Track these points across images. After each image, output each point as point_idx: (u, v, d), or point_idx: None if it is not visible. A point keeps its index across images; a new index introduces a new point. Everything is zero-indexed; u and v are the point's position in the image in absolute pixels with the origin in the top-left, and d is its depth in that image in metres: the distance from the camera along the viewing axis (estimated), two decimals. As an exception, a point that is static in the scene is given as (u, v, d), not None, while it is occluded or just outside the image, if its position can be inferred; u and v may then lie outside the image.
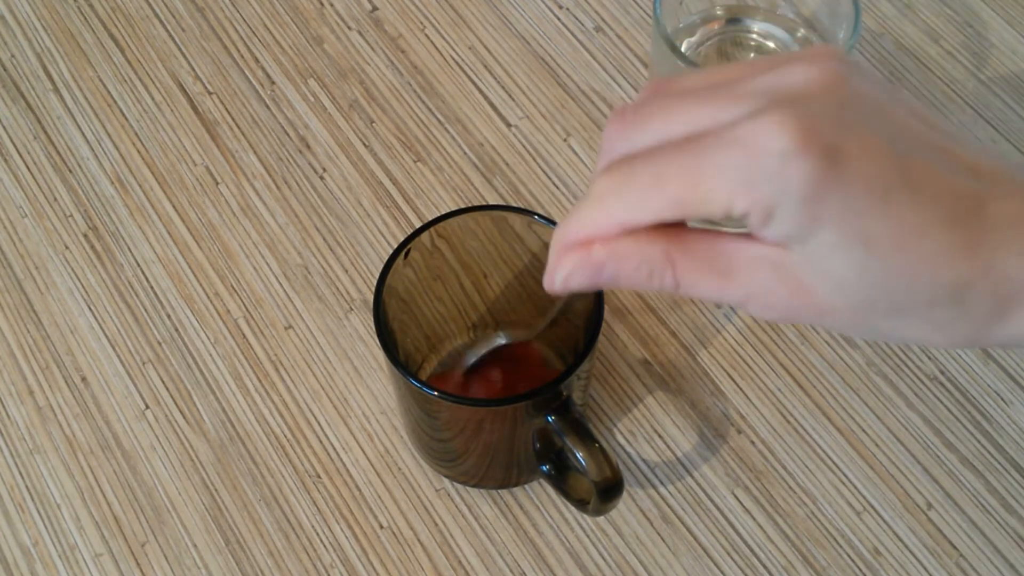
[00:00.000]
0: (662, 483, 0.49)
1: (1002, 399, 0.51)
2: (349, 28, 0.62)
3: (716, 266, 0.31)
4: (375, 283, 0.44)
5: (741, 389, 0.52)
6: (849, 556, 0.48)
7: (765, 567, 0.48)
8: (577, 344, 0.46)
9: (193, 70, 0.61)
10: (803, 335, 0.53)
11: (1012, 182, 0.30)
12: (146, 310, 0.54)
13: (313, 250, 0.55)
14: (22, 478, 0.50)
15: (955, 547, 0.48)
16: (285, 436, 0.51)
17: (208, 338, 0.53)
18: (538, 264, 0.47)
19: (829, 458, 0.50)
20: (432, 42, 0.62)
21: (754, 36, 0.54)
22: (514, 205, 0.55)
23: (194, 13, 0.63)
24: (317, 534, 0.48)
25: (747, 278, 0.31)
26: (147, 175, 0.58)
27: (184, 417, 0.51)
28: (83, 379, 0.52)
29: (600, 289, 0.34)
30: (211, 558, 0.48)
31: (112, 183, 0.58)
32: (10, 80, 0.61)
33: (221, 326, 0.53)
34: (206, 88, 0.61)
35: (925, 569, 0.47)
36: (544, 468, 0.47)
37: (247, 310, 0.54)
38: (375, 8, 0.63)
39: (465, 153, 0.58)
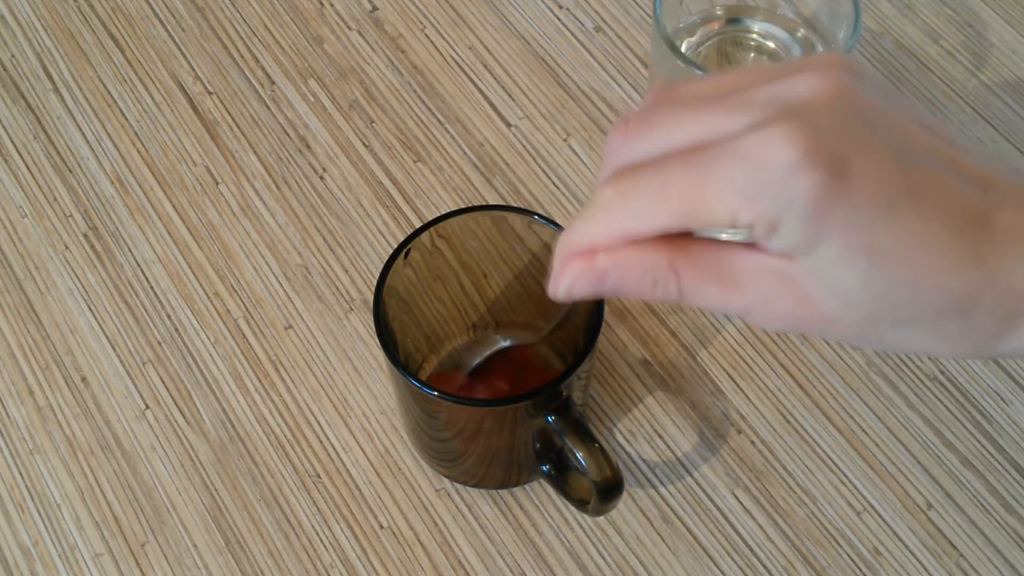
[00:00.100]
0: (662, 483, 0.49)
1: (1002, 399, 0.51)
2: (349, 28, 0.62)
3: (720, 276, 0.31)
4: (375, 283, 0.44)
5: (741, 389, 0.52)
6: (849, 556, 0.48)
7: (765, 567, 0.48)
8: (577, 344, 0.46)
9: (193, 70, 0.61)
10: (803, 335, 0.53)
11: (1019, 193, 0.30)
12: (146, 310, 0.54)
13: (313, 250, 0.55)
14: (22, 478, 0.50)
15: (955, 547, 0.48)
16: (285, 436, 0.51)
17: (208, 338, 0.53)
18: (538, 264, 0.47)
19: (829, 458, 0.50)
20: (432, 42, 0.62)
21: (754, 36, 0.54)
22: (514, 205, 0.55)
23: (194, 13, 0.63)
24: (317, 534, 0.48)
25: (751, 288, 0.31)
26: (147, 175, 0.58)
27: (184, 417, 0.51)
28: (83, 379, 0.52)
29: (604, 297, 0.34)
30: (211, 558, 0.48)
31: (112, 183, 0.58)
32: (10, 80, 0.61)
33: (221, 326, 0.53)
34: (206, 88, 0.61)
35: (925, 569, 0.47)
36: (544, 468, 0.47)
37: (247, 310, 0.54)
38: (375, 8, 0.63)
39: (465, 153, 0.58)
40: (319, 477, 0.50)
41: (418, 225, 0.53)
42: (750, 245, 0.30)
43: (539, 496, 0.49)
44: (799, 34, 0.53)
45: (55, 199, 0.57)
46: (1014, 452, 0.50)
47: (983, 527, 0.48)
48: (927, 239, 0.28)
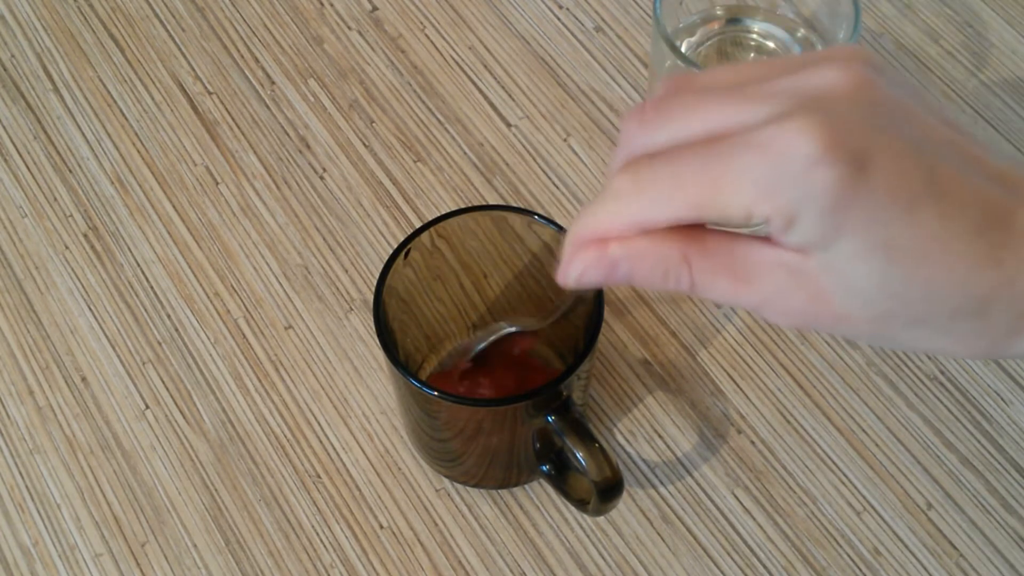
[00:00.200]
0: (662, 483, 0.49)
1: (1002, 399, 0.51)
2: (349, 28, 0.62)
3: (733, 269, 0.30)
4: (375, 283, 0.44)
5: (741, 389, 0.52)
6: (849, 556, 0.48)
7: (765, 567, 0.48)
8: (577, 344, 0.46)
9: (193, 70, 0.61)
10: (803, 335, 0.53)
11: None
12: (146, 310, 0.54)
13: (313, 250, 0.55)
14: (22, 478, 0.50)
15: (955, 547, 0.48)
16: (285, 436, 0.51)
17: (208, 338, 0.53)
18: (538, 264, 0.47)
19: (829, 458, 0.50)
20: (432, 42, 0.62)
21: (754, 36, 0.54)
22: (514, 205, 0.55)
23: (194, 13, 0.63)
24: (317, 534, 0.48)
25: (764, 283, 0.30)
26: (147, 175, 0.58)
27: (184, 417, 0.51)
28: (83, 379, 0.52)
29: (614, 285, 0.34)
30: (211, 558, 0.48)
31: (112, 183, 0.58)
32: (10, 80, 0.61)
33: (221, 326, 0.53)
34: (206, 88, 0.61)
35: (925, 569, 0.47)
36: (544, 468, 0.47)
37: (247, 310, 0.54)
38: (375, 8, 0.63)
39: (465, 153, 0.58)
40: (319, 477, 0.50)
41: (418, 225, 0.53)
42: (764, 239, 0.30)
43: (539, 496, 0.49)
44: (799, 34, 0.53)
45: (55, 199, 0.57)
46: (1014, 452, 0.50)
47: (983, 527, 0.48)
48: (946, 238, 0.28)
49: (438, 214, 0.48)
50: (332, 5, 0.63)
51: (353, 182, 0.57)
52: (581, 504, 0.46)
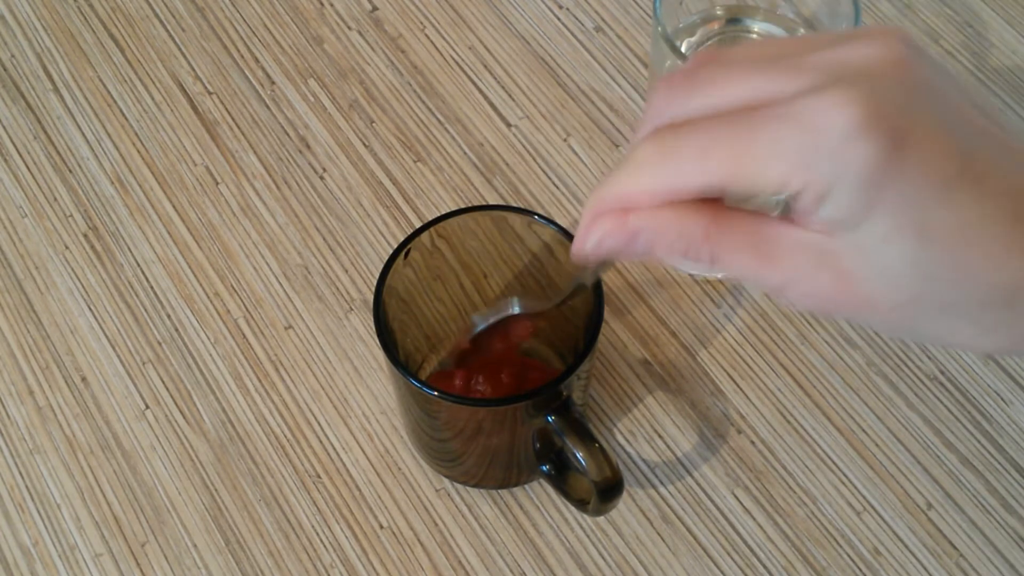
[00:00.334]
0: (662, 483, 0.49)
1: (1002, 399, 0.51)
2: (349, 28, 0.62)
3: (756, 248, 0.29)
4: (375, 283, 0.44)
5: (741, 389, 0.52)
6: (849, 556, 0.48)
7: (765, 567, 0.48)
8: (577, 344, 0.46)
9: (193, 70, 0.61)
10: (803, 335, 0.53)
11: None
12: (146, 310, 0.54)
13: (313, 250, 0.55)
14: (22, 478, 0.50)
15: (955, 547, 0.48)
16: (285, 436, 0.51)
17: (208, 338, 0.53)
18: (538, 264, 0.47)
19: (829, 458, 0.50)
20: (432, 42, 0.62)
21: (754, 36, 0.54)
22: (514, 205, 0.55)
23: (194, 13, 0.63)
24: (317, 534, 0.48)
25: (788, 263, 0.29)
26: (147, 175, 0.58)
27: (184, 417, 0.51)
28: (83, 379, 0.52)
29: (630, 258, 0.32)
30: (211, 558, 0.48)
31: (112, 183, 0.58)
32: (10, 80, 0.61)
33: (221, 326, 0.53)
34: (206, 88, 0.61)
35: (925, 569, 0.47)
36: (544, 468, 0.47)
37: (247, 310, 0.54)
38: (375, 8, 0.63)
39: (465, 153, 0.58)
40: (319, 477, 0.50)
41: (418, 225, 0.53)
42: (790, 218, 0.29)
43: (539, 496, 0.49)
44: (799, 34, 0.53)
45: (55, 199, 0.57)
46: (1014, 452, 0.50)
47: (983, 527, 0.48)
48: (980, 223, 0.27)
49: (438, 214, 0.48)
50: (332, 5, 0.63)
51: (353, 182, 0.57)
52: (581, 504, 0.46)
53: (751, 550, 0.48)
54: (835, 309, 0.29)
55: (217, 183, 0.58)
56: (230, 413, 0.51)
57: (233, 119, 0.59)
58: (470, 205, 0.52)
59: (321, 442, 0.51)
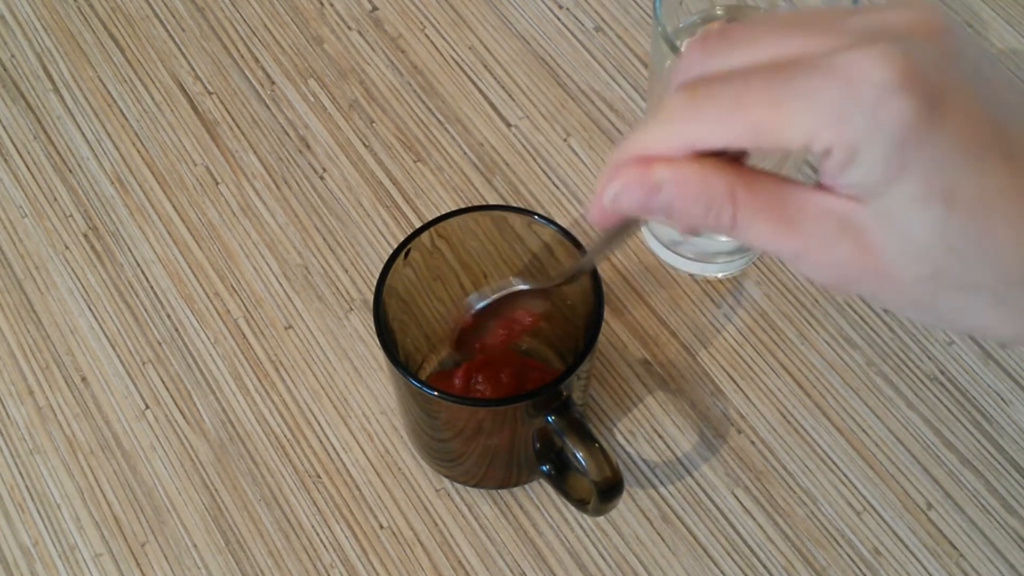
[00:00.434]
0: (662, 483, 0.49)
1: (1002, 399, 0.51)
2: (349, 28, 0.62)
3: (779, 212, 0.28)
4: (375, 283, 0.44)
5: (741, 389, 0.52)
6: (849, 556, 0.48)
7: (765, 567, 0.48)
8: (577, 344, 0.46)
9: (193, 70, 0.61)
10: (803, 335, 0.53)
11: None
12: (146, 310, 0.54)
13: (313, 250, 0.55)
14: (22, 478, 0.50)
15: (955, 547, 0.48)
16: (285, 436, 0.51)
17: (208, 338, 0.53)
18: (538, 264, 0.47)
19: (829, 458, 0.50)
20: (432, 42, 0.62)
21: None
22: (514, 205, 0.55)
23: (194, 13, 0.63)
24: (317, 534, 0.48)
25: (809, 229, 0.28)
26: (147, 175, 0.58)
27: (184, 417, 0.51)
28: (83, 379, 0.52)
29: (646, 218, 0.31)
30: (211, 558, 0.48)
31: (112, 183, 0.58)
32: (10, 80, 0.61)
33: (221, 326, 0.53)
34: (206, 88, 0.61)
35: (925, 569, 0.47)
36: (544, 468, 0.47)
37: (247, 310, 0.54)
38: (375, 8, 0.63)
39: (465, 153, 0.58)
40: (319, 477, 0.50)
41: (418, 225, 0.53)
42: (815, 185, 0.28)
43: (539, 496, 0.49)
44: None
45: (55, 199, 0.57)
46: (1014, 452, 0.50)
47: (983, 527, 0.48)
48: (1009, 196, 0.27)
49: (438, 214, 0.48)
50: (332, 5, 0.63)
51: (353, 182, 0.57)
52: (581, 504, 0.46)
53: (751, 550, 0.48)
54: (853, 283, 0.29)
55: (217, 183, 0.58)
56: (230, 413, 0.51)
57: (233, 119, 0.59)
58: (470, 205, 0.52)
59: (321, 442, 0.51)
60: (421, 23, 0.62)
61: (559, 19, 0.62)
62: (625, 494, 0.48)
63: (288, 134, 0.59)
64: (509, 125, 0.59)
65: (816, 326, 0.53)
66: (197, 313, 0.54)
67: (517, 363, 0.48)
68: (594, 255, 0.39)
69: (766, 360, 0.52)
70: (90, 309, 0.54)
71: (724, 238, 0.52)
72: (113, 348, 0.53)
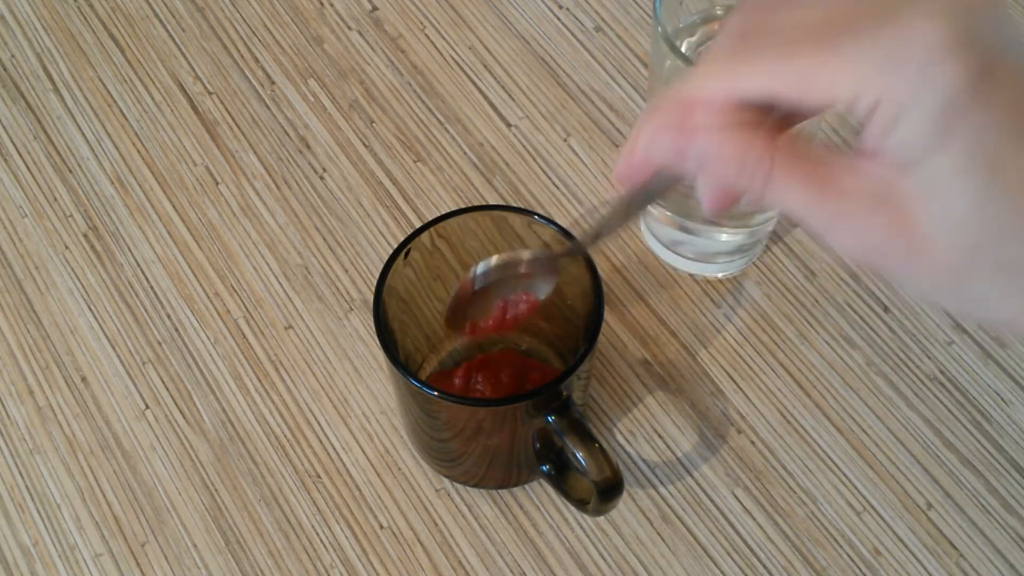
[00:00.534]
0: (662, 483, 0.49)
1: (1002, 399, 0.51)
2: (349, 28, 0.62)
3: (816, 175, 0.28)
4: (375, 283, 0.44)
5: (741, 389, 0.52)
6: (849, 556, 0.48)
7: (765, 567, 0.48)
8: (577, 344, 0.46)
9: (193, 70, 0.61)
10: (803, 335, 0.53)
11: None
12: (146, 310, 0.54)
13: (313, 250, 0.55)
14: (22, 478, 0.50)
15: (955, 547, 0.48)
16: (285, 436, 0.51)
17: (208, 338, 0.53)
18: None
19: (829, 458, 0.50)
20: (432, 42, 0.62)
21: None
22: (514, 205, 0.55)
23: (194, 13, 0.63)
24: (317, 534, 0.48)
25: (843, 196, 0.27)
26: (147, 175, 0.58)
27: (184, 417, 0.51)
28: (83, 379, 0.52)
29: (678, 173, 0.30)
30: (211, 558, 0.48)
31: (112, 183, 0.58)
32: (10, 80, 0.61)
33: (221, 326, 0.53)
34: (206, 88, 0.61)
35: (925, 569, 0.47)
36: (544, 468, 0.47)
37: (247, 310, 0.54)
38: (375, 8, 0.63)
39: (465, 153, 0.58)
40: (319, 477, 0.50)
41: (418, 225, 0.53)
42: (854, 156, 0.28)
43: (539, 496, 0.49)
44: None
45: (55, 199, 0.57)
46: (1014, 452, 0.50)
47: (983, 527, 0.48)
48: None
49: (438, 214, 0.48)
50: (332, 5, 0.63)
51: (353, 182, 0.57)
52: (581, 504, 0.46)
53: (751, 550, 0.48)
54: (883, 256, 0.28)
55: (217, 183, 0.58)
56: (230, 413, 0.51)
57: (233, 119, 0.59)
58: (470, 205, 0.52)
59: (321, 442, 0.51)
60: (421, 23, 0.62)
61: (559, 19, 0.62)
62: (625, 494, 0.48)
63: (288, 134, 0.59)
64: (509, 125, 0.59)
65: (816, 326, 0.53)
66: (197, 313, 0.54)
67: (517, 363, 0.48)
68: (607, 224, 0.37)
69: (766, 360, 0.52)
70: (90, 309, 0.54)
71: (725, 237, 0.52)
72: (113, 348, 0.53)
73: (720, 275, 0.54)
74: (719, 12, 0.54)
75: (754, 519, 0.49)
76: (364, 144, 0.58)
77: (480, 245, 0.47)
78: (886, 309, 0.53)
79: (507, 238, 0.47)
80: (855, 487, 0.49)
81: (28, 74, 0.61)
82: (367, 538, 0.48)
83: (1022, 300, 0.28)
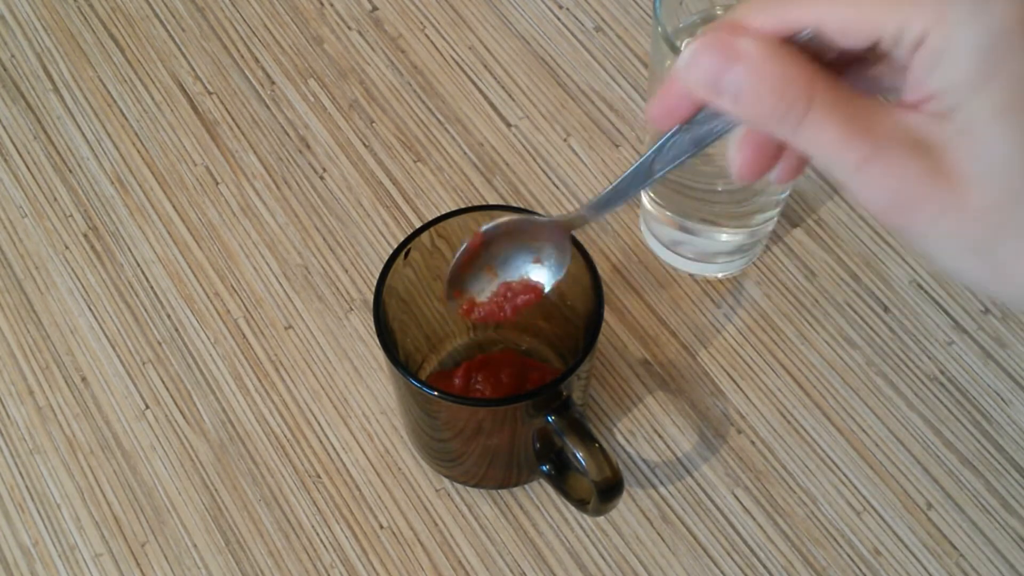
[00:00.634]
0: (662, 483, 0.49)
1: (1002, 399, 0.51)
2: (349, 28, 0.62)
3: (852, 116, 0.27)
4: (375, 283, 0.44)
5: (741, 389, 0.52)
6: (849, 556, 0.48)
7: (765, 567, 0.48)
8: (577, 344, 0.46)
9: (193, 70, 0.61)
10: (803, 335, 0.53)
11: None
12: (146, 310, 0.54)
13: (313, 250, 0.55)
14: (22, 478, 0.50)
15: (955, 547, 0.48)
16: (285, 436, 0.51)
17: (208, 338, 0.53)
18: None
19: (829, 458, 0.50)
20: (432, 42, 0.62)
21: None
22: (514, 205, 0.55)
23: (194, 13, 0.63)
24: (317, 534, 0.48)
25: (881, 138, 0.27)
26: (147, 175, 0.58)
27: (184, 417, 0.51)
28: (83, 379, 0.52)
29: (714, 102, 0.29)
30: (211, 558, 0.48)
31: (112, 183, 0.58)
32: (10, 80, 0.61)
33: (221, 326, 0.53)
34: (206, 88, 0.61)
35: (925, 569, 0.47)
36: (544, 468, 0.47)
37: (247, 310, 0.54)
38: (375, 8, 0.63)
39: (465, 153, 0.58)
40: (319, 477, 0.50)
41: (418, 225, 0.53)
42: (893, 104, 0.27)
43: (539, 496, 0.49)
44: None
45: (55, 199, 0.57)
46: (1014, 452, 0.50)
47: (983, 527, 0.48)
48: None
49: (438, 214, 0.48)
50: (332, 5, 0.63)
51: (353, 182, 0.57)
52: (581, 504, 0.46)
53: (751, 550, 0.48)
54: (914, 207, 0.27)
55: (217, 183, 0.58)
56: (230, 413, 0.51)
57: (233, 119, 0.59)
58: (470, 205, 0.52)
59: (321, 442, 0.51)
60: (421, 23, 0.62)
61: (559, 19, 0.62)
62: (625, 494, 0.48)
63: (288, 134, 0.59)
64: (509, 125, 0.59)
65: (816, 326, 0.53)
66: (197, 313, 0.54)
67: (517, 363, 0.48)
68: (624, 188, 0.35)
69: (766, 360, 0.52)
70: (90, 309, 0.54)
71: (725, 237, 0.52)
72: (113, 348, 0.53)
73: (720, 275, 0.54)
74: (719, 12, 0.54)
75: (754, 519, 0.49)
76: (364, 144, 0.58)
77: (480, 245, 0.47)
78: (886, 309, 0.53)
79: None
80: (855, 487, 0.49)
81: (28, 74, 0.61)
82: (367, 538, 0.48)
83: None
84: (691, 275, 0.55)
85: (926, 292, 0.54)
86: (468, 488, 0.49)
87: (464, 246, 0.40)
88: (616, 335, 0.53)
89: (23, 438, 0.51)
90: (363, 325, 0.53)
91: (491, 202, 0.56)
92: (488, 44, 0.62)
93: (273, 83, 0.61)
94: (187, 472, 0.50)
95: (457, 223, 0.45)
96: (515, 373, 0.48)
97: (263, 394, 0.52)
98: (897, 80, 0.28)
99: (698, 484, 0.49)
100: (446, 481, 0.50)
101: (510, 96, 0.60)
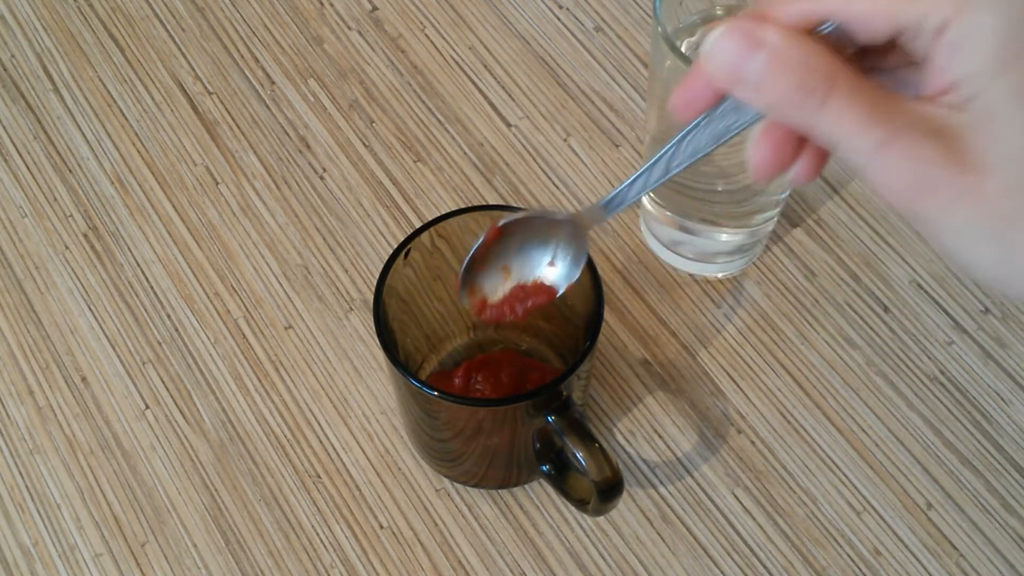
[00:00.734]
0: (662, 483, 0.49)
1: (1002, 399, 0.51)
2: (349, 28, 0.62)
3: (873, 104, 0.27)
4: (375, 283, 0.44)
5: (741, 389, 0.52)
6: (849, 556, 0.48)
7: (765, 567, 0.48)
8: (577, 344, 0.46)
9: (193, 70, 0.61)
10: (803, 335, 0.53)
11: None
12: (146, 310, 0.54)
13: (313, 250, 0.55)
14: (22, 478, 0.50)
15: (955, 547, 0.48)
16: (285, 436, 0.51)
17: (208, 338, 0.53)
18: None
19: (829, 458, 0.50)
20: (432, 42, 0.62)
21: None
22: (514, 205, 0.55)
23: (194, 13, 0.63)
24: (317, 534, 0.48)
25: (896, 127, 0.27)
26: (147, 175, 0.58)
27: (184, 417, 0.51)
28: (83, 379, 0.52)
29: (735, 88, 0.29)
30: (211, 558, 0.48)
31: (112, 183, 0.58)
32: (10, 80, 0.61)
33: (221, 326, 0.53)
34: (206, 88, 0.61)
35: (925, 569, 0.47)
36: (544, 468, 0.47)
37: (247, 310, 0.54)
38: (375, 8, 0.63)
39: (465, 153, 0.58)
40: (319, 477, 0.50)
41: (418, 225, 0.53)
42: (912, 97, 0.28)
43: (539, 496, 0.49)
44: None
45: (55, 199, 0.57)
46: (1014, 452, 0.50)
47: (983, 527, 0.48)
48: None
49: (438, 214, 0.48)
50: (332, 5, 0.63)
51: (353, 182, 0.57)
52: (581, 504, 0.46)
53: (751, 550, 0.48)
54: (930, 191, 0.27)
55: (217, 183, 0.58)
56: (230, 413, 0.51)
57: (233, 119, 0.59)
58: (470, 205, 0.52)
59: (321, 442, 0.51)
60: (421, 23, 0.62)
61: (559, 19, 0.62)
62: (625, 494, 0.48)
63: (288, 134, 0.59)
64: (509, 125, 0.59)
65: (816, 326, 0.53)
66: (197, 313, 0.54)
67: (517, 363, 0.48)
68: (643, 182, 0.35)
69: (766, 360, 0.52)
70: (90, 309, 0.54)
71: (725, 237, 0.52)
72: (113, 348, 0.53)
73: (720, 275, 0.54)
74: (719, 12, 0.54)
75: (754, 519, 0.49)
76: (364, 144, 0.58)
77: (480, 245, 0.47)
78: (886, 309, 0.53)
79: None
80: (855, 487, 0.49)
81: (28, 74, 0.61)
82: (367, 538, 0.48)
83: None
84: (691, 275, 0.55)
85: (926, 292, 0.54)
86: (468, 488, 0.49)
87: (480, 239, 0.40)
88: (616, 335, 0.53)
89: (23, 438, 0.51)
90: (363, 325, 0.53)
91: (491, 202, 0.56)
92: (488, 44, 0.62)
93: (273, 83, 0.61)
94: (187, 472, 0.50)
95: (457, 223, 0.45)
96: (515, 373, 0.48)
97: (263, 394, 0.52)
98: (915, 76, 0.28)
99: (698, 484, 0.49)
100: (446, 481, 0.50)
101: (510, 96, 0.60)
